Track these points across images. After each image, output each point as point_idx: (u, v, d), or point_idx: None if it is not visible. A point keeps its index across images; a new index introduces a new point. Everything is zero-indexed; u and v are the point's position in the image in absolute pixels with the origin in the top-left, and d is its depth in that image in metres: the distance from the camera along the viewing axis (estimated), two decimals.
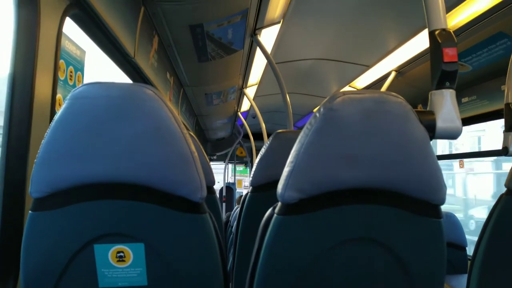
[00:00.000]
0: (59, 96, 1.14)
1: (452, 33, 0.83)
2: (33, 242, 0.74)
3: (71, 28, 1.24)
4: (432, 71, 0.85)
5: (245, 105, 4.94)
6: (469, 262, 1.42)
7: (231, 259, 1.83)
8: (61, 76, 1.17)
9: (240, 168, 9.14)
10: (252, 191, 1.45)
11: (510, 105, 1.49)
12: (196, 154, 0.76)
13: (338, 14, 2.24)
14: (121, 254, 0.76)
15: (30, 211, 0.74)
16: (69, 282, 0.75)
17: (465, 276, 1.45)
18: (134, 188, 0.74)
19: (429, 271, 0.80)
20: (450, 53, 0.81)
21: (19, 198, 0.99)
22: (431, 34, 0.84)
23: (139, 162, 0.73)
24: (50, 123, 0.74)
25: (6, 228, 0.98)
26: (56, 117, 0.73)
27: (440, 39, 0.82)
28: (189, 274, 0.77)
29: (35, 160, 0.73)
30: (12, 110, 1.00)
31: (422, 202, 0.77)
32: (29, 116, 1.00)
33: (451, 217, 2.44)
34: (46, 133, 0.73)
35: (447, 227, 0.78)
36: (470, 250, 2.02)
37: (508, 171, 1.20)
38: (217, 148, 7.14)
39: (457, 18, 1.89)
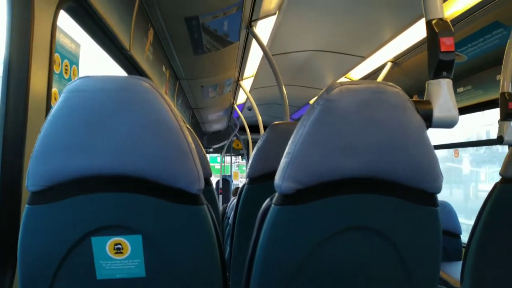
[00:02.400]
0: (54, 90, 1.13)
1: (449, 22, 0.84)
2: (30, 235, 0.74)
3: (65, 21, 1.23)
4: (429, 61, 0.85)
5: (241, 98, 4.93)
6: (463, 250, 1.44)
7: (228, 249, 1.84)
8: (57, 70, 1.17)
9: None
10: (249, 183, 1.46)
11: (506, 94, 1.50)
12: (193, 146, 0.76)
13: (334, 5, 2.23)
14: (119, 246, 0.76)
15: (26, 205, 0.74)
16: (67, 275, 0.75)
17: (460, 263, 1.47)
18: (132, 181, 0.74)
19: (425, 259, 0.81)
20: (447, 43, 0.82)
21: (16, 192, 0.99)
22: (428, 24, 0.85)
23: (137, 155, 0.73)
24: (46, 117, 0.74)
25: (3, 222, 0.98)
26: (52, 111, 0.73)
27: (437, 29, 0.82)
28: (187, 265, 0.78)
29: (31, 154, 0.73)
30: (7, 104, 0.99)
31: (419, 191, 0.78)
32: (24, 110, 0.99)
33: (446, 205, 2.48)
34: (42, 127, 0.73)
35: (442, 215, 0.79)
36: (464, 238, 2.04)
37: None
38: (213, 140, 7.14)
39: (454, 8, 1.89)
